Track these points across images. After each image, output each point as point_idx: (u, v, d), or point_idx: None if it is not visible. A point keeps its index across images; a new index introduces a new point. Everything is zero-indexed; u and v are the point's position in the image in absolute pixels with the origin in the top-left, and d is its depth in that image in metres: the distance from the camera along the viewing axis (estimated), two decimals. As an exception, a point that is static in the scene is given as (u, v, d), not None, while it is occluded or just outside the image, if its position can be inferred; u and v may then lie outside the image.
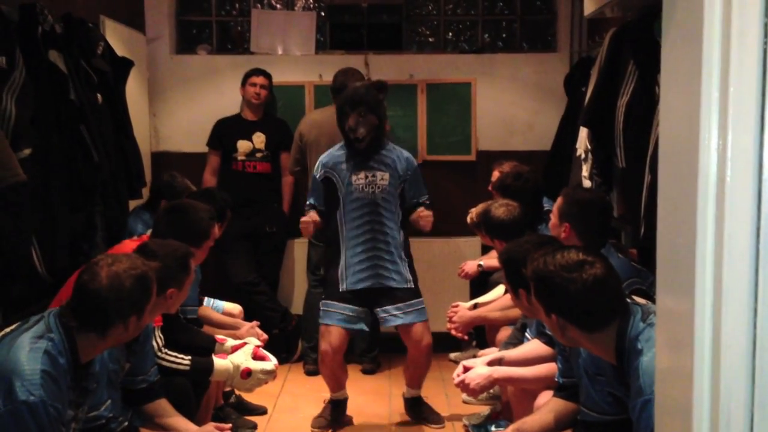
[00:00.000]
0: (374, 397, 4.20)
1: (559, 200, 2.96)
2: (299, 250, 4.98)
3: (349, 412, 3.91)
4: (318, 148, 4.21)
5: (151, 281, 2.13)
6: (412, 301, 3.65)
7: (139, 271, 2.09)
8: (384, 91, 3.65)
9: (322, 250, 4.36)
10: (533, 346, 2.86)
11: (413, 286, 3.68)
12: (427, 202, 3.76)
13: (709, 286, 1.27)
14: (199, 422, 2.73)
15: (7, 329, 2.05)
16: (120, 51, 4.11)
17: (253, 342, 3.16)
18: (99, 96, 3.61)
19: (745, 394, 1.24)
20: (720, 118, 1.25)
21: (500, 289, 3.70)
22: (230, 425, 2.73)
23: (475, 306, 3.65)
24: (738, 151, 1.23)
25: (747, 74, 1.22)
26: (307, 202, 3.75)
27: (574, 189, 3.28)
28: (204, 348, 3.07)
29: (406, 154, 3.75)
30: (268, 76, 4.82)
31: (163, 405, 2.60)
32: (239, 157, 4.78)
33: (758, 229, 1.23)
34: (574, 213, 2.89)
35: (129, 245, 2.88)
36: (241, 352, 3.05)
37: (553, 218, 2.96)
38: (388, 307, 3.63)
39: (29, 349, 1.93)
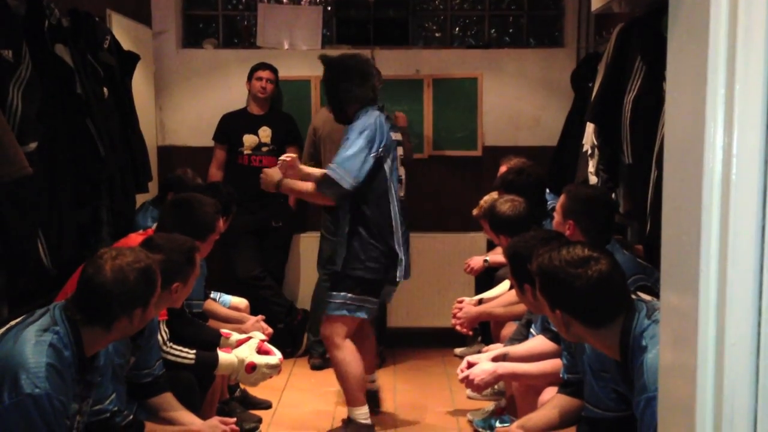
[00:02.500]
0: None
1: (562, 198, 2.96)
2: (305, 244, 4.99)
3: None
4: (332, 142, 4.22)
5: (155, 274, 2.14)
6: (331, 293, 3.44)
7: (143, 264, 2.09)
8: (328, 66, 3.52)
9: (335, 243, 4.37)
10: (538, 342, 2.86)
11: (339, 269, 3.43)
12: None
13: (713, 284, 1.26)
14: (204, 416, 2.74)
15: (13, 322, 2.06)
16: (126, 45, 4.11)
17: (258, 336, 3.17)
18: (105, 90, 3.61)
19: (749, 391, 1.24)
20: (726, 116, 1.24)
21: (505, 284, 3.69)
22: (235, 419, 2.74)
23: (480, 301, 3.65)
24: (743, 149, 1.23)
25: (753, 71, 1.22)
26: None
27: (576, 186, 3.28)
28: (209, 342, 3.08)
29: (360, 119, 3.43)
30: (274, 70, 4.82)
31: (168, 399, 2.61)
32: (245, 152, 4.78)
33: (763, 226, 1.23)
34: (577, 210, 2.88)
35: (135, 239, 2.89)
36: (246, 346, 3.05)
37: (557, 216, 2.95)
38: None
39: (35, 342, 1.93)
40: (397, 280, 3.48)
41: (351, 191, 3.30)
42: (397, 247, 3.40)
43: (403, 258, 3.43)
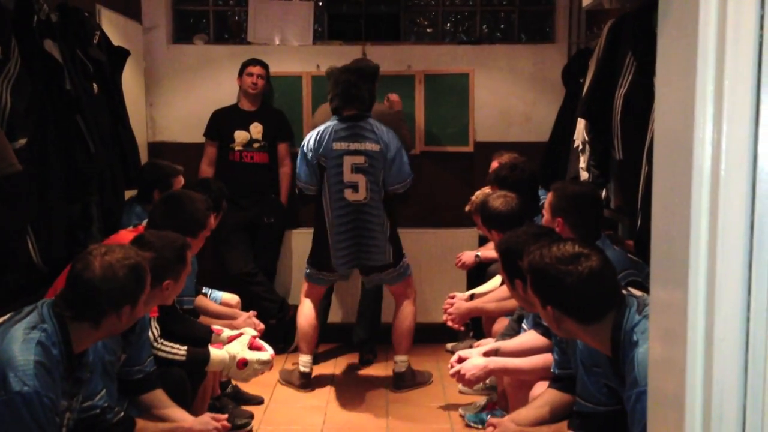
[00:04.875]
0: (371, 387, 4.21)
1: (550, 196, 2.97)
2: (297, 240, 4.98)
3: (346, 401, 3.93)
4: None
5: (144, 271, 2.13)
6: None
7: (132, 261, 2.08)
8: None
9: None
10: (529, 337, 2.87)
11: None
12: None
13: (702, 279, 1.27)
14: (196, 412, 2.74)
15: (0, 320, 2.05)
16: (116, 40, 4.09)
17: (250, 332, 3.17)
18: (95, 86, 3.59)
19: (738, 386, 1.25)
20: (715, 111, 1.24)
21: (497, 279, 3.70)
22: (227, 415, 2.74)
23: (472, 297, 3.66)
24: (732, 144, 1.23)
25: (742, 67, 1.22)
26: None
27: (563, 184, 3.29)
28: (200, 338, 3.08)
29: None
30: (265, 66, 4.80)
31: (159, 395, 2.60)
32: (236, 148, 4.77)
33: (752, 222, 1.23)
34: (565, 207, 2.89)
35: (125, 236, 2.88)
36: (238, 342, 3.05)
37: (546, 214, 2.96)
38: None
39: (22, 340, 1.93)
40: (334, 268, 4.02)
41: (307, 194, 4.02)
42: (330, 242, 3.98)
43: (333, 252, 3.98)
